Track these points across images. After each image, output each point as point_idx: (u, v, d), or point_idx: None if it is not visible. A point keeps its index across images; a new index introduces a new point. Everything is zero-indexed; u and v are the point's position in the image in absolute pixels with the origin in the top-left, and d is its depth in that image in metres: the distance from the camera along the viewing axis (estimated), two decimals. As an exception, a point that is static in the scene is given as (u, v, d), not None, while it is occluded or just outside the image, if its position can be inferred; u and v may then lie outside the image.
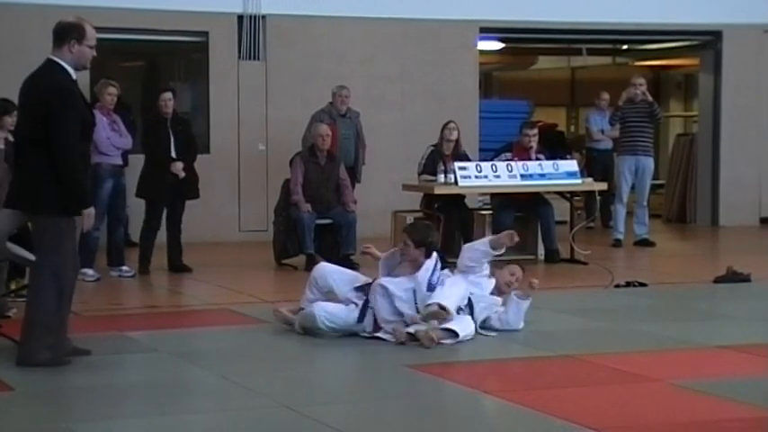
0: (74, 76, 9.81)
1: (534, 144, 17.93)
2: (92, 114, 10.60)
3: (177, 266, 16.09)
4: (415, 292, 10.83)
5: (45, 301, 9.49)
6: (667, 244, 20.26)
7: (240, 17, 19.77)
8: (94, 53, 9.86)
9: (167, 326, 12.41)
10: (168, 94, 15.89)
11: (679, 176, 24.45)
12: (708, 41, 23.71)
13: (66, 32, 9.73)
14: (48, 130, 9.41)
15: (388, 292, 10.85)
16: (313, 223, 15.83)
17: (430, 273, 10.87)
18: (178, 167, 15.50)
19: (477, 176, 16.81)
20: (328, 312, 10.90)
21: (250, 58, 19.83)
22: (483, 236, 17.05)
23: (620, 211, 19.83)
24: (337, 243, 16.15)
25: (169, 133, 15.62)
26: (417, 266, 10.86)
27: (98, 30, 9.92)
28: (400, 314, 10.85)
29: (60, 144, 9.40)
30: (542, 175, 17.36)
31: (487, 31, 21.94)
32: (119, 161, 15.16)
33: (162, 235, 15.92)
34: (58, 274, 9.50)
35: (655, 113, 19.88)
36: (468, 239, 16.63)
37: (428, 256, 10.99)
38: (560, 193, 18.23)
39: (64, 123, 9.48)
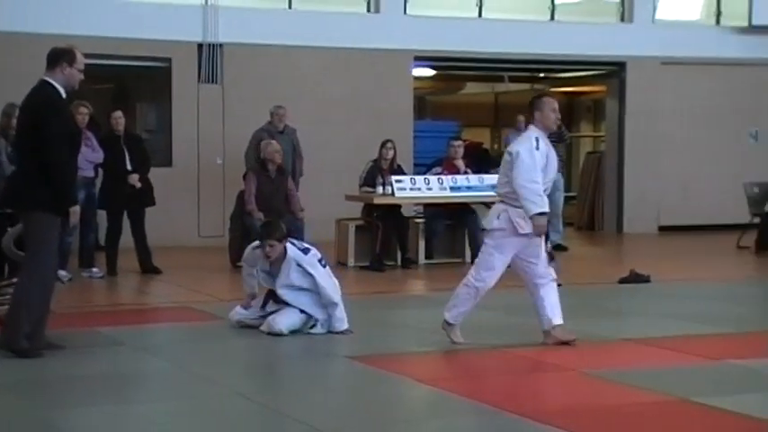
0: (63, 95, 9.86)
1: (461, 154, 18.11)
2: (78, 129, 10.65)
3: (148, 268, 16.01)
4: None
5: (31, 290, 9.58)
6: (578, 249, 20.30)
7: (200, 45, 19.67)
8: (82, 76, 9.97)
9: (133, 322, 12.37)
10: (118, 113, 15.96)
11: (589, 189, 24.60)
12: (613, 71, 23.91)
13: (59, 56, 9.85)
14: (40, 139, 9.52)
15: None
16: (265, 230, 15.61)
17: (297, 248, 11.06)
18: (134, 179, 15.53)
19: (411, 188, 16.91)
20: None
21: (209, 82, 19.75)
22: (417, 242, 17.12)
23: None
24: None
25: (123, 149, 15.56)
26: (283, 254, 10.86)
27: (72, 55, 9.96)
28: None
29: (50, 150, 9.50)
30: (469, 188, 17.48)
31: (421, 59, 21.94)
32: (90, 173, 15.03)
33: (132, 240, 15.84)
34: (43, 266, 9.65)
35: (562, 135, 19.99)
36: (404, 245, 16.88)
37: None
38: (485, 204, 18.14)
39: (53, 132, 9.57)
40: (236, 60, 19.84)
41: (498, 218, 10.08)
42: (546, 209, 9.88)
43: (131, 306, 13.99)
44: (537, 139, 9.85)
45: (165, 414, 8.06)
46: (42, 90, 9.85)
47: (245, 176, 16.67)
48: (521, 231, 9.89)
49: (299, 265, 10.92)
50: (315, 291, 11.01)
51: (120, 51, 18.86)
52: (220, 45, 19.73)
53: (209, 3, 19.84)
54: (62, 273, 13.80)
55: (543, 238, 10.28)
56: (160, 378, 9.64)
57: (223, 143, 18.95)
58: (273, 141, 16.51)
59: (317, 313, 11.06)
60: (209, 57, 19.71)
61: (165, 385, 9.38)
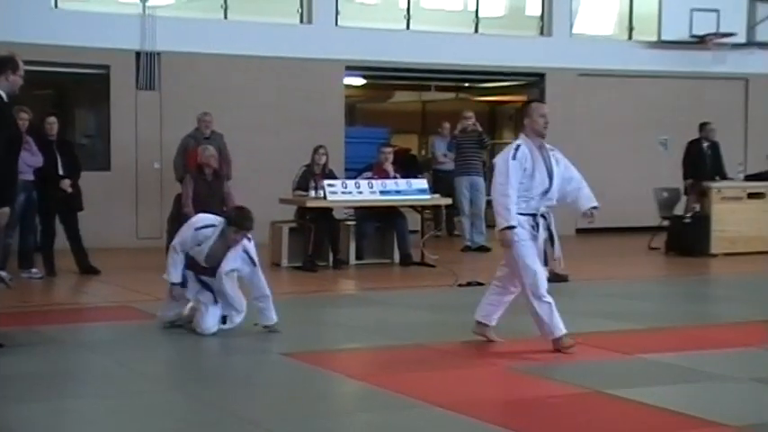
0: (6, 100, 9.78)
1: (390, 159, 18.19)
2: (19, 134, 10.55)
3: (86, 268, 15.92)
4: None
5: None
6: (501, 249, 20.26)
7: (138, 53, 19.58)
8: (23, 82, 9.91)
9: (72, 321, 12.27)
10: (52, 119, 15.77)
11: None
12: (533, 82, 24.11)
13: (4, 64, 9.83)
14: None
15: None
16: (202, 231, 15.58)
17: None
18: (66, 184, 15.39)
19: (342, 192, 16.88)
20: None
21: (146, 89, 19.67)
22: (348, 243, 17.16)
23: (465, 222, 20.01)
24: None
25: (56, 153, 15.42)
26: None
27: (13, 62, 9.98)
28: None
29: None
30: (398, 192, 17.50)
31: (352, 69, 21.99)
32: (30, 177, 14.85)
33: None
34: None
35: (483, 141, 20.19)
36: (335, 246, 16.89)
37: None
38: (413, 207, 18.27)
39: None
40: (172, 68, 19.79)
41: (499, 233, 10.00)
42: (509, 223, 9.60)
43: (71, 305, 13.85)
44: (517, 147, 9.70)
45: (105, 410, 8.03)
46: None
47: (182, 180, 16.64)
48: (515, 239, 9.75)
49: (245, 251, 10.88)
50: (248, 280, 10.99)
51: (60, 59, 18.75)
52: (158, 53, 19.68)
53: (146, 12, 19.80)
54: (2, 273, 13.79)
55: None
56: (100, 375, 9.55)
57: (160, 148, 18.86)
58: (210, 147, 16.45)
59: (232, 308, 11.01)
60: (146, 65, 19.63)
61: (105, 382, 9.27)
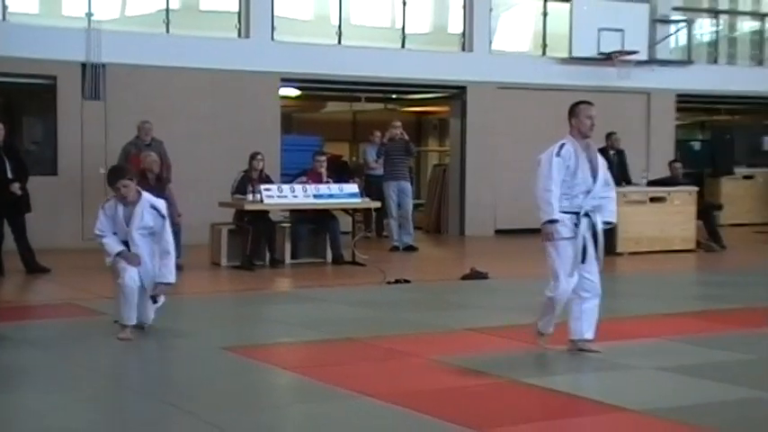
0: None
1: (324, 167, 18.25)
2: None
3: (33, 268, 15.83)
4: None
5: None
6: (427, 249, 20.45)
7: (84, 65, 19.47)
8: None
9: (19, 318, 12.14)
10: None
11: (435, 197, 24.82)
12: (456, 94, 24.10)
13: None
14: None
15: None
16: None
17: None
18: (15, 187, 15.31)
19: (278, 196, 16.96)
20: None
21: (92, 98, 19.55)
22: (284, 244, 17.19)
23: (393, 224, 20.12)
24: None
25: (3, 158, 15.31)
26: (137, 196, 10.69)
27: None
28: None
29: None
30: (331, 196, 17.59)
31: (287, 80, 21.95)
32: None
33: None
34: None
35: (409, 149, 20.33)
36: (272, 246, 16.99)
37: None
38: (345, 210, 18.35)
39: None
40: (117, 79, 19.65)
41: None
42: (551, 217, 9.33)
43: (17, 303, 13.79)
44: (562, 145, 9.48)
45: (50, 404, 7.94)
46: None
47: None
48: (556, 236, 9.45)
49: (152, 206, 10.77)
50: (158, 236, 10.80)
51: (8, 69, 18.59)
52: (103, 65, 19.55)
53: (92, 26, 19.70)
54: None
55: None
56: (46, 370, 9.45)
57: (105, 154, 18.70)
58: (152, 153, 16.45)
59: (151, 266, 10.79)
60: (92, 75, 19.52)
61: (50, 376, 9.20)
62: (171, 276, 10.76)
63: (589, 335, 9.57)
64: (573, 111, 9.68)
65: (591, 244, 9.42)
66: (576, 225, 9.35)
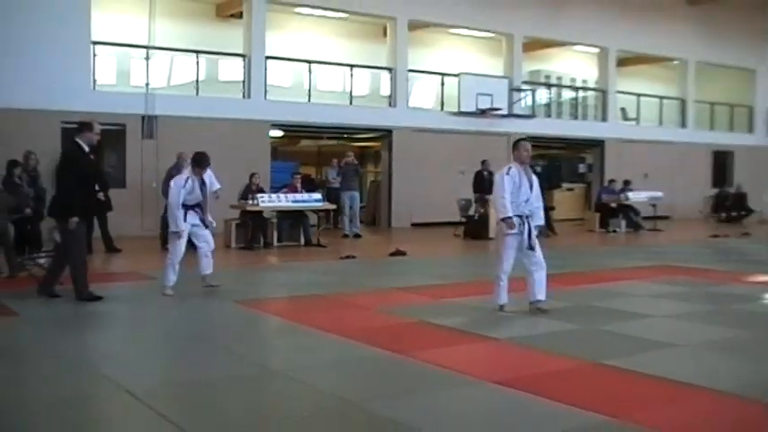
0: (86, 150, 9.79)
1: (299, 183, 18.46)
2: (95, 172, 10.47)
3: (111, 248, 15.77)
4: None
5: None
6: (367, 236, 20.46)
7: (143, 116, 19.39)
8: (98, 137, 10.10)
9: (102, 281, 11.53)
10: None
11: (372, 201, 24.82)
12: (385, 135, 24.04)
13: (86, 125, 9.91)
14: None
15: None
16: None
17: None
18: (100, 195, 15.01)
19: (269, 201, 17.05)
20: None
21: (148, 138, 19.48)
22: (273, 232, 17.15)
23: (345, 220, 20.28)
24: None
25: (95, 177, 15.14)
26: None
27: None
28: None
29: None
30: (303, 201, 17.79)
31: (275, 126, 21.96)
32: None
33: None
34: None
35: (358, 170, 20.50)
36: (265, 234, 17.09)
37: None
38: (313, 210, 18.34)
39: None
40: (164, 125, 19.56)
41: (497, 224, 9.46)
42: (507, 214, 9.04)
43: (102, 271, 13.43)
44: (510, 168, 9.19)
45: (112, 340, 7.96)
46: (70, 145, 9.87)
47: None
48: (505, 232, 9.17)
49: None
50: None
51: (99, 120, 18.41)
52: (156, 116, 19.46)
53: (149, 91, 19.63)
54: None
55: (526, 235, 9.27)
56: (121, 317, 9.46)
57: (156, 174, 18.54)
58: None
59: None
60: (148, 123, 19.42)
61: (124, 320, 9.24)
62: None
63: (541, 296, 9.39)
64: (516, 145, 9.42)
65: (533, 236, 9.28)
66: (521, 224, 9.14)
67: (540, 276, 9.39)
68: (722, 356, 7.41)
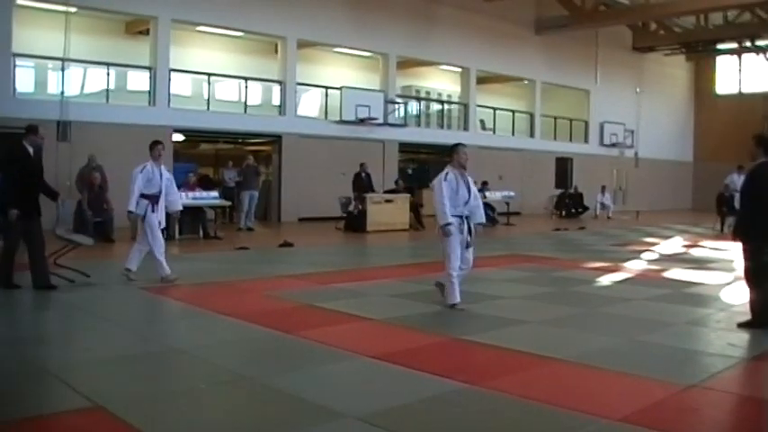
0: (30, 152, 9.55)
1: (193, 181, 18.45)
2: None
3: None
4: None
5: None
6: (260, 229, 20.28)
7: (58, 122, 18.47)
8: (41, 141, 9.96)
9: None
10: None
11: (264, 199, 24.45)
12: (276, 140, 23.72)
13: (31, 130, 9.69)
14: None
15: None
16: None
17: None
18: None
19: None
20: None
21: (63, 141, 18.50)
22: (175, 227, 16.75)
23: (241, 215, 19.95)
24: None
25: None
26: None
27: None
28: None
29: None
30: (202, 198, 17.52)
31: (177, 131, 21.46)
32: None
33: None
34: None
35: (258, 171, 20.22)
36: (168, 229, 16.36)
37: None
38: (211, 207, 18.10)
39: None
40: (77, 130, 18.81)
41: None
42: (447, 221, 8.48)
43: None
44: (447, 173, 8.59)
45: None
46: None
47: (81, 191, 15.87)
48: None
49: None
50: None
51: (14, 125, 17.54)
52: (69, 122, 18.70)
53: (63, 99, 18.86)
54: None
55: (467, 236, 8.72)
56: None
57: (70, 172, 17.84)
58: (97, 173, 16.24)
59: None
60: (63, 128, 18.60)
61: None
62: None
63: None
64: (454, 149, 8.79)
65: (473, 234, 8.77)
66: (461, 224, 8.63)
67: (465, 274, 8.91)
68: (563, 330, 7.69)
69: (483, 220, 8.85)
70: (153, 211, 10.57)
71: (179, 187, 17.99)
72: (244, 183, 20.23)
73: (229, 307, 8.56)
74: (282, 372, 5.90)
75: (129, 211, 10.53)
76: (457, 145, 8.91)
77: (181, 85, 22.58)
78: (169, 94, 21.19)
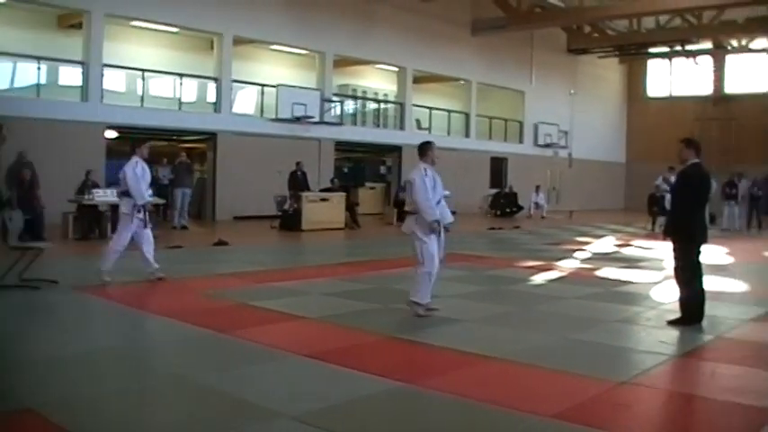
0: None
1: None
2: None
3: None
4: None
5: None
6: (193, 228, 20.03)
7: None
8: None
9: None
10: None
11: (199, 197, 24.09)
12: (211, 137, 23.40)
13: None
14: None
15: None
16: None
17: None
18: None
19: (103, 195, 16.31)
20: None
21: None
22: (107, 225, 16.42)
23: (175, 213, 19.65)
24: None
25: None
26: None
27: None
28: None
29: None
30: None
31: (110, 127, 21.02)
32: None
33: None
34: None
35: (191, 169, 20.01)
36: (99, 226, 16.37)
37: None
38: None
39: None
40: (9, 126, 18.22)
41: (416, 223, 8.24)
42: (436, 217, 8.18)
43: None
44: (425, 169, 8.22)
45: None
46: None
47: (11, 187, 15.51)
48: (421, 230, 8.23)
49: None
50: None
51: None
52: (1, 116, 18.34)
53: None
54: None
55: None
56: None
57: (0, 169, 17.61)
58: (27, 169, 15.65)
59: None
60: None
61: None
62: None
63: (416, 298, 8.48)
64: (429, 146, 8.40)
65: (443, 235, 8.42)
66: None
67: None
68: (497, 329, 7.77)
69: (452, 219, 8.56)
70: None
71: (111, 185, 17.87)
72: (176, 180, 19.94)
73: (164, 306, 8.45)
74: (218, 371, 5.84)
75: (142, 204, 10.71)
76: (429, 142, 8.59)
77: (114, 81, 22.19)
78: (102, 89, 20.79)
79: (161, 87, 23.59)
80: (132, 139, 22.76)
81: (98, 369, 6.00)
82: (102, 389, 5.43)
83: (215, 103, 23.67)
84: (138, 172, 10.72)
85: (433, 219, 8.16)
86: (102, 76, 20.74)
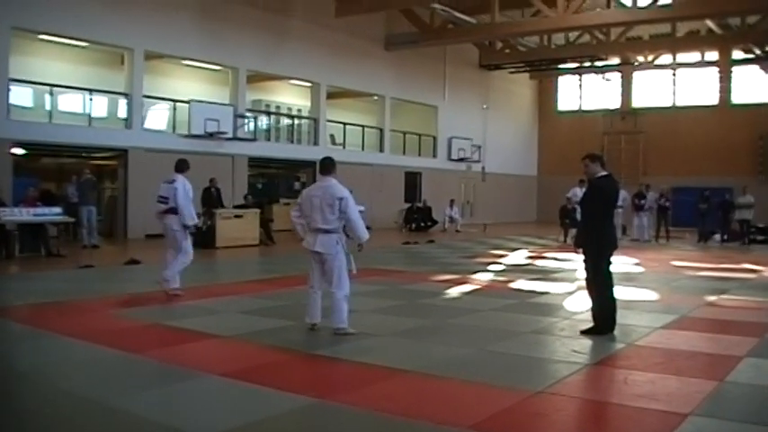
0: None
1: (36, 196, 17.49)
2: None
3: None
4: None
5: None
6: (104, 247, 19.57)
7: None
8: None
9: None
10: None
11: (110, 215, 23.59)
12: (122, 154, 22.83)
13: None
14: None
15: None
16: None
17: None
18: None
19: (10, 214, 15.96)
20: None
21: None
22: (15, 244, 15.94)
23: (84, 232, 19.02)
24: None
25: None
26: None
27: None
28: None
29: None
30: (44, 214, 16.83)
31: (17, 144, 20.35)
32: None
33: None
34: None
35: (95, 186, 19.80)
36: (8, 247, 15.81)
37: None
38: (52, 223, 17.28)
39: None
40: None
41: (337, 244, 8.04)
42: (367, 236, 8.09)
43: None
44: (350, 190, 8.17)
45: None
46: None
47: None
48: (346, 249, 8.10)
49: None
50: None
51: None
52: None
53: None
54: None
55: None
56: None
57: None
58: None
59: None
60: None
61: None
62: None
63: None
64: (334, 162, 8.32)
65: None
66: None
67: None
68: (414, 342, 7.84)
69: (367, 236, 8.28)
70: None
71: (18, 203, 17.34)
72: (81, 197, 19.36)
73: (74, 327, 8.24)
74: (130, 393, 5.73)
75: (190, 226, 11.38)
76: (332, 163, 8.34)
77: (21, 96, 21.56)
78: (8, 104, 20.14)
79: (70, 103, 23.03)
80: (41, 155, 22.06)
81: (3, 392, 5.81)
82: (7, 412, 5.28)
83: (126, 119, 23.19)
84: (188, 191, 11.46)
85: (365, 238, 8.08)
86: (8, 90, 20.12)
